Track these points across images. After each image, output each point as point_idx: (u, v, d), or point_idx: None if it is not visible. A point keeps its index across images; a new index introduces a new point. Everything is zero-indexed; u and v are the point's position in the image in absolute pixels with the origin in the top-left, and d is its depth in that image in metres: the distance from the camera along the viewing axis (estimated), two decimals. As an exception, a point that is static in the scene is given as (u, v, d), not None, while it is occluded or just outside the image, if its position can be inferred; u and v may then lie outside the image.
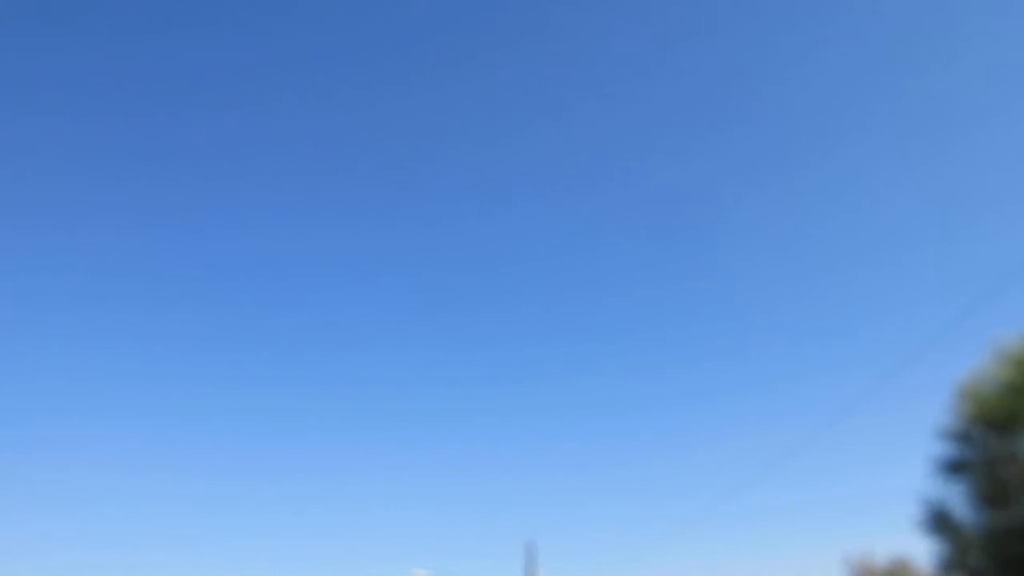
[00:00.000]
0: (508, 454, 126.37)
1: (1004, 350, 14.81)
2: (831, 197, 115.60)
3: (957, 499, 15.48)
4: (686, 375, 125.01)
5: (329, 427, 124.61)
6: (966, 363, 15.63)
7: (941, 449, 15.77)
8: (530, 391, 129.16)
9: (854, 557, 64.04)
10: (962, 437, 15.34)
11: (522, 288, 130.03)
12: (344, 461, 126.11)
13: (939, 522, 15.49)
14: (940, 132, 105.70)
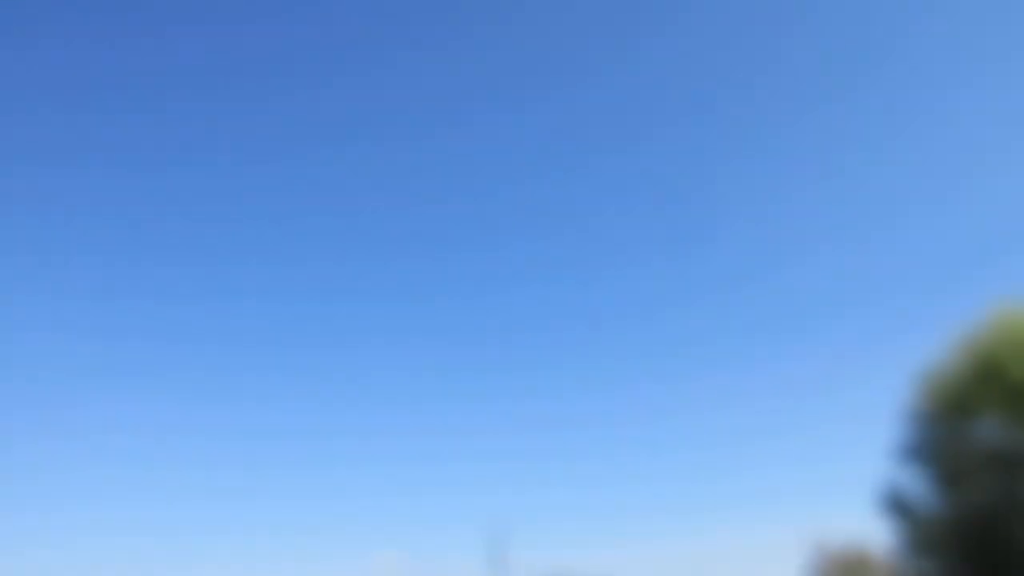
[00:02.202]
0: (479, 436, 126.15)
1: (963, 338, 15.15)
2: (797, 173, 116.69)
3: (915, 483, 15.85)
4: (657, 359, 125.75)
5: (293, 415, 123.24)
6: (930, 348, 15.99)
7: (900, 434, 16.12)
8: (504, 370, 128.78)
9: (813, 540, 65.06)
10: (921, 422, 15.69)
11: (498, 269, 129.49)
12: (306, 446, 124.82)
13: (897, 505, 15.83)
14: (916, 105, 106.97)
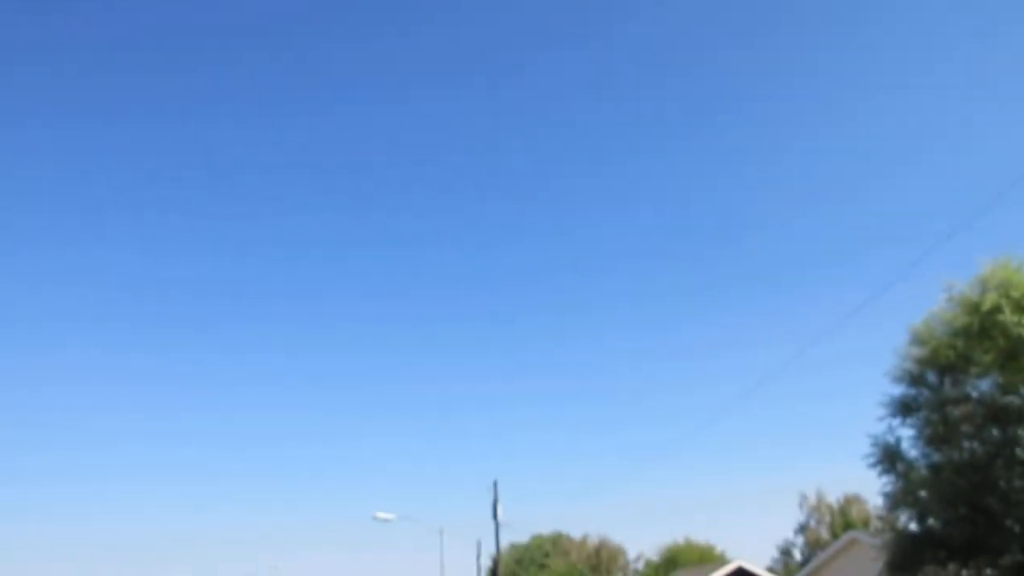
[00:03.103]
0: (471, 389, 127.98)
1: (956, 295, 15.15)
2: (813, 119, 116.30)
3: (908, 439, 16.01)
4: (650, 307, 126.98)
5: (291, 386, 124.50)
6: (926, 302, 16.00)
7: (894, 391, 16.23)
8: (494, 325, 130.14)
9: (809, 492, 66.01)
10: (914, 379, 15.78)
11: (490, 223, 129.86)
12: (305, 414, 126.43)
13: (889, 460, 15.99)
14: (919, 58, 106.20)
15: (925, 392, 15.71)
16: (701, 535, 64.70)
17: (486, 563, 53.94)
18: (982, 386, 15.14)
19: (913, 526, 15.92)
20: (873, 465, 16.12)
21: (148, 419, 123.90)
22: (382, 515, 36.21)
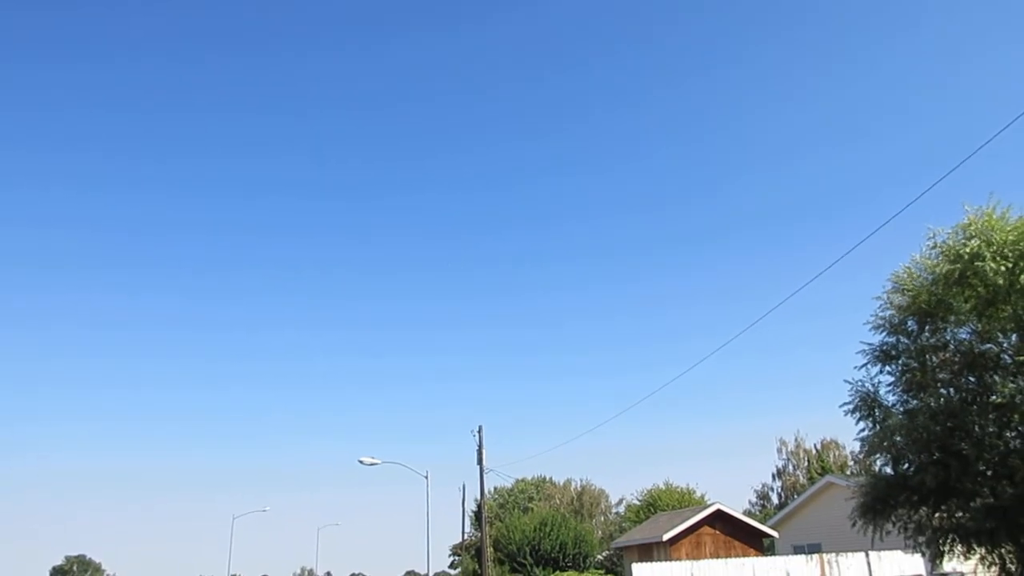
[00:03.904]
0: (458, 337, 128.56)
1: (937, 242, 15.12)
2: (788, 79, 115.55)
3: (886, 386, 16.13)
4: (633, 258, 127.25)
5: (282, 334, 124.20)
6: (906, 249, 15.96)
7: (874, 338, 16.29)
8: (480, 272, 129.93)
9: (788, 437, 67.24)
10: (894, 327, 15.83)
11: (484, 170, 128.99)
12: (295, 362, 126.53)
13: (867, 407, 16.13)
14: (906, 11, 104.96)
15: (904, 340, 15.77)
16: (681, 480, 66.03)
17: (471, 507, 54.90)
18: (960, 334, 15.22)
19: (888, 470, 16.15)
20: (851, 412, 16.27)
21: (149, 360, 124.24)
22: (368, 459, 36.51)
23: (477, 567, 45.29)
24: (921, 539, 15.49)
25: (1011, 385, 13.49)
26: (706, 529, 35.58)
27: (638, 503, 57.37)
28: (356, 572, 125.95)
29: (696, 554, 34.11)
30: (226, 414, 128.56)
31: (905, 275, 15.66)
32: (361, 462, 36.01)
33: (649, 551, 35.99)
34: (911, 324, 15.67)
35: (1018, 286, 13.56)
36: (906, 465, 15.36)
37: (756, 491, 67.78)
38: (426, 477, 37.45)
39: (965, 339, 15.06)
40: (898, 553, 26.82)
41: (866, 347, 16.26)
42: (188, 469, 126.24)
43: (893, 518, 15.89)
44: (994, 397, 13.80)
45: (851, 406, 16.26)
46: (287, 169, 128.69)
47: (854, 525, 16.67)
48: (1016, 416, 13.52)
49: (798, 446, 65.35)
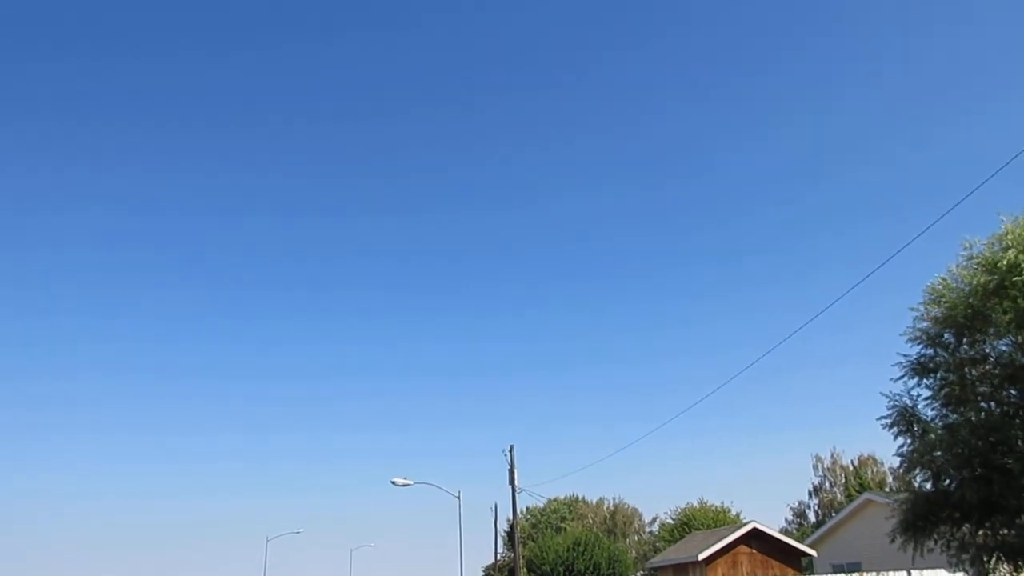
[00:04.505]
0: (490, 355, 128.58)
1: (974, 253, 14.90)
2: (817, 90, 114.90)
3: (924, 399, 15.87)
4: (672, 272, 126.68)
5: (309, 350, 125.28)
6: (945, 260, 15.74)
7: (911, 351, 16.05)
8: (505, 294, 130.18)
9: (824, 453, 66.10)
10: (931, 339, 15.59)
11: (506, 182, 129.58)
12: (324, 382, 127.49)
13: (905, 421, 15.88)
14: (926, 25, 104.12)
15: (942, 353, 15.51)
16: (716, 498, 65.18)
17: (503, 527, 54.69)
18: (1000, 346, 14.94)
19: (928, 487, 15.84)
20: (889, 426, 16.02)
21: (171, 381, 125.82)
22: (400, 480, 36.56)
23: (511, 588, 45.00)
24: (965, 557, 15.16)
25: (1055, 398, 13.21)
26: (742, 548, 35.05)
27: (672, 522, 56.68)
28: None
29: (732, 574, 33.64)
30: (259, 435, 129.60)
31: (941, 287, 15.42)
32: (393, 483, 36.08)
33: (684, 571, 35.54)
34: (948, 336, 15.41)
35: (1058, 297, 13.31)
36: (947, 481, 15.05)
37: (792, 509, 66.63)
38: (458, 497, 37.41)
39: (1005, 351, 14.77)
40: (941, 572, 26.22)
41: (903, 360, 16.03)
42: (221, 490, 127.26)
43: (935, 535, 15.57)
44: (1037, 411, 13.51)
45: (889, 420, 16.01)
46: (325, 187, 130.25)
47: (894, 542, 16.36)
48: (1061, 430, 13.23)
49: (834, 462, 64.19)
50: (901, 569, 27.84)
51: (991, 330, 14.74)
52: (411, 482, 36.48)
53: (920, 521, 15.56)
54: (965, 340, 15.17)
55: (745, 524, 36.40)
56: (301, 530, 71.27)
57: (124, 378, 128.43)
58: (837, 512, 41.68)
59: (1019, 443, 13.72)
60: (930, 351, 15.66)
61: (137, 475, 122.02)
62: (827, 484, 64.25)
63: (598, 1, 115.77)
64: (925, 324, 15.63)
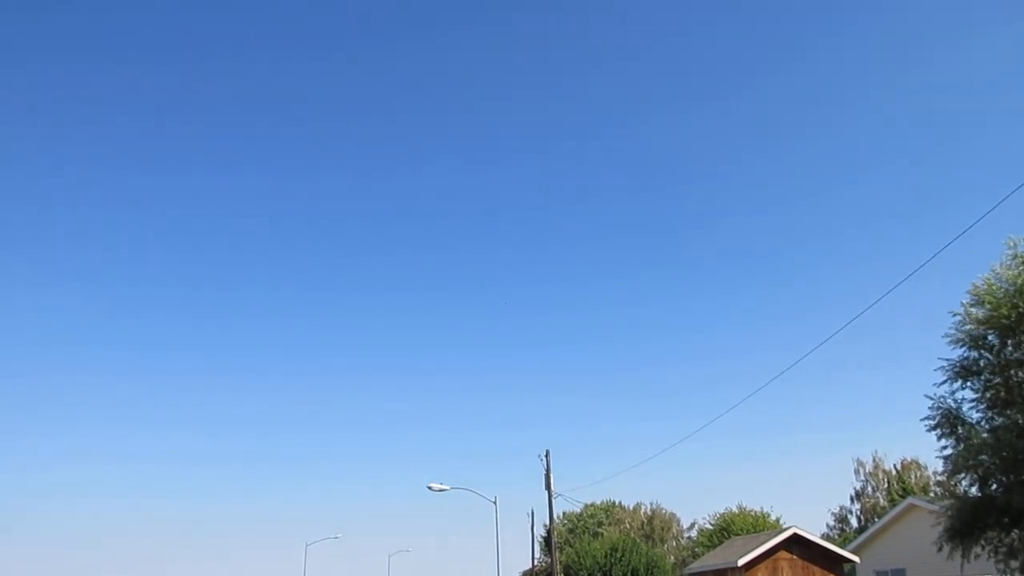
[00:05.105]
0: (519, 370, 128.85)
1: (1018, 253, 14.60)
2: (840, 90, 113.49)
3: (969, 402, 15.57)
4: (698, 276, 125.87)
5: (343, 354, 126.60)
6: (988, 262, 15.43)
7: (954, 353, 15.76)
8: (538, 299, 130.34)
9: (865, 457, 64.99)
10: (974, 341, 15.29)
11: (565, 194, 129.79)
12: (360, 384, 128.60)
13: (949, 423, 15.60)
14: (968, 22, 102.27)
15: (986, 355, 15.20)
16: (755, 503, 64.37)
17: (540, 532, 54.60)
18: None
19: (974, 491, 15.52)
20: (932, 428, 15.73)
21: (218, 379, 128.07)
22: (436, 486, 36.68)
23: (548, 593, 44.90)
24: (1014, 564, 14.83)
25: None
26: (783, 554, 34.57)
27: (711, 527, 56.09)
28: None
29: (773, 580, 33.17)
30: (297, 440, 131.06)
31: (984, 287, 15.12)
32: (430, 488, 36.22)
33: (724, 577, 35.14)
34: (992, 338, 15.10)
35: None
36: (994, 485, 14.73)
37: (834, 514, 65.59)
38: (494, 502, 37.44)
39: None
40: (989, 578, 25.63)
41: (945, 363, 15.73)
42: (260, 495, 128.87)
43: (982, 541, 15.25)
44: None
45: (932, 422, 15.73)
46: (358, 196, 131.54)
47: (940, 549, 16.04)
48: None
49: (876, 467, 63.06)
50: (947, 576, 27.26)
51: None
52: (447, 488, 36.61)
53: (966, 527, 15.25)
54: (1010, 342, 14.84)
55: (785, 529, 35.91)
56: (339, 535, 71.89)
57: (160, 379, 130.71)
58: (880, 517, 40.94)
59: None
60: (974, 353, 15.36)
61: (175, 478, 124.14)
62: (869, 488, 63.15)
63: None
64: (968, 326, 15.33)
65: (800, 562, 34.71)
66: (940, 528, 16.02)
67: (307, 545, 68.82)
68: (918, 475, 59.34)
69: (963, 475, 15.35)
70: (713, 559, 39.31)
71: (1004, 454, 13.77)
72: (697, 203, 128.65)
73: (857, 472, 64.27)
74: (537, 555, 54.83)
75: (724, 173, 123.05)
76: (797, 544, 35.20)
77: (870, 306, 22.24)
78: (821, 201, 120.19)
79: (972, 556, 15.40)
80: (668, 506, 76.66)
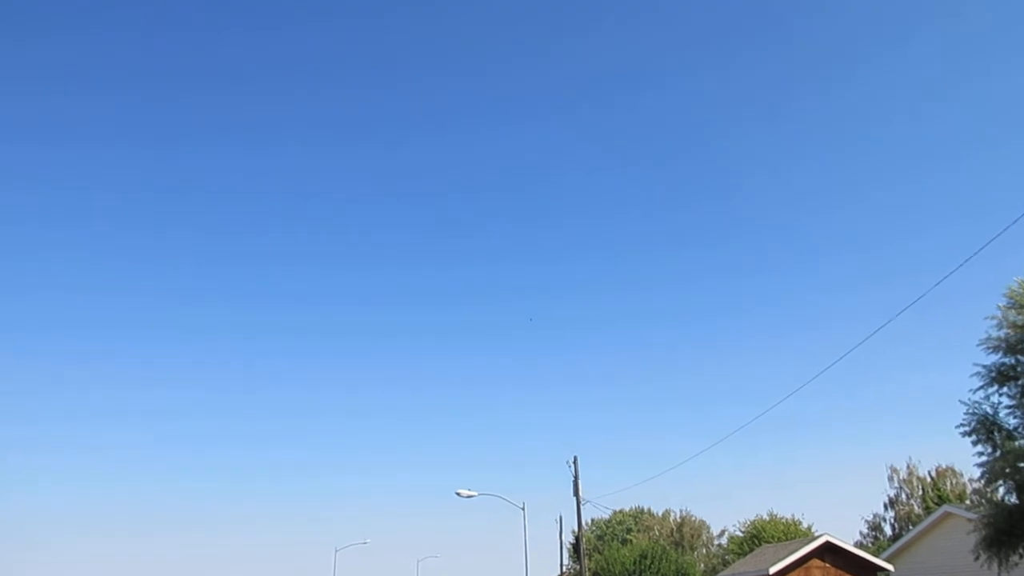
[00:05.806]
0: (552, 366, 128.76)
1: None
2: (884, 103, 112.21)
3: (1005, 408, 15.30)
4: (727, 286, 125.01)
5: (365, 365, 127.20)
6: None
7: (990, 358, 15.51)
8: (564, 308, 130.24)
9: (899, 464, 63.96)
10: (1011, 346, 15.03)
11: (551, 204, 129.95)
12: (383, 397, 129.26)
13: (986, 430, 15.34)
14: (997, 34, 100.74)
15: (1023, 360, 14.94)
16: (787, 510, 63.60)
17: (568, 539, 54.43)
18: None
19: (1012, 499, 15.23)
20: (967, 433, 15.48)
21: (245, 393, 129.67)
22: (465, 492, 36.74)
23: (577, 600, 44.72)
24: (1054, 573, 14.53)
25: None
26: (815, 562, 34.12)
27: (741, 535, 55.51)
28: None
29: (805, 588, 32.74)
30: (326, 446, 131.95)
31: (1020, 291, 14.87)
32: (458, 494, 36.28)
33: (755, 585, 34.73)
34: (1029, 342, 14.84)
35: None
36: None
37: (867, 522, 64.56)
38: (523, 509, 37.42)
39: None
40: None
41: (981, 369, 15.47)
42: (290, 502, 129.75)
43: (1020, 550, 14.96)
44: None
45: (968, 428, 15.48)
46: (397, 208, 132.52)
47: (977, 558, 15.76)
48: None
49: (911, 473, 62.01)
50: (985, 585, 26.72)
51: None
52: (475, 494, 36.64)
53: (1004, 535, 14.96)
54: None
55: (818, 537, 35.42)
56: (368, 540, 72.17)
57: (189, 390, 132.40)
58: (915, 525, 40.27)
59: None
60: (1010, 359, 15.09)
61: (210, 483, 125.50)
62: (903, 496, 62.10)
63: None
64: (1005, 331, 15.07)
65: (833, 570, 34.26)
66: (977, 536, 15.74)
67: (336, 551, 69.22)
68: (954, 482, 58.27)
69: (1000, 482, 15.09)
70: (744, 567, 38.92)
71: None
72: (735, 212, 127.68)
73: (891, 479, 63.24)
74: (565, 561, 54.64)
75: (764, 184, 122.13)
76: (830, 552, 34.73)
77: (898, 314, 21.93)
78: (847, 210, 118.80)
79: (1011, 565, 15.11)
80: (698, 513, 76.00)
